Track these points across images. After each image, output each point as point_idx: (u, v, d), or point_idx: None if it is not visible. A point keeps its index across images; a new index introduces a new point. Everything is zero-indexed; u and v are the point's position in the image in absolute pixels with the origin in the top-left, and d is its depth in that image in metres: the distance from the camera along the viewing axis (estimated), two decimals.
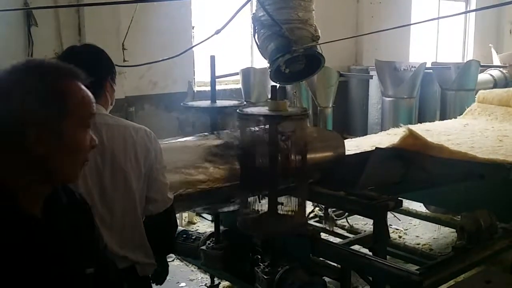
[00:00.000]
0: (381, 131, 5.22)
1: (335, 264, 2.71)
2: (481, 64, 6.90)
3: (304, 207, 2.53)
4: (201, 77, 6.15)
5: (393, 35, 7.04)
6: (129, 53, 5.30)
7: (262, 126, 2.33)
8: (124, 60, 5.25)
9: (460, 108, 6.42)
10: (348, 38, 5.55)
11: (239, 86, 6.08)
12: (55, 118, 1.17)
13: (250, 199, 2.44)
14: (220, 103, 2.93)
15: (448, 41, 9.34)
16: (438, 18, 8.80)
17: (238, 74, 6.04)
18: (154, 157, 1.96)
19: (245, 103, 2.90)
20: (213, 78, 2.97)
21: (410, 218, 4.79)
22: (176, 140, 2.59)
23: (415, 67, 6.36)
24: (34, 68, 1.19)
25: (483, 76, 7.18)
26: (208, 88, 6.03)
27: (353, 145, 3.85)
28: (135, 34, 5.26)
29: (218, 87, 6.25)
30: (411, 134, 3.04)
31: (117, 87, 2.07)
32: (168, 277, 2.38)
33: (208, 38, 3.59)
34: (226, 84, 6.43)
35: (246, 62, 6.64)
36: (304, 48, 3.15)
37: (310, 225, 4.03)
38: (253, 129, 2.37)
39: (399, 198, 2.87)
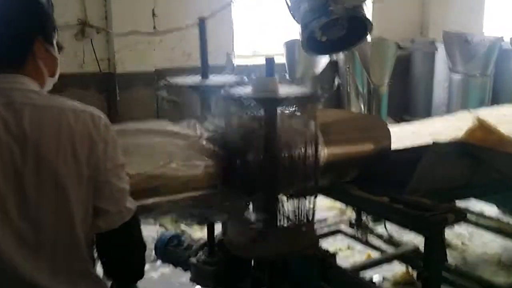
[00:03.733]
0: (447, 113, 4.68)
1: None
2: None
3: (313, 219, 1.89)
4: (242, 50, 5.66)
5: (465, 3, 6.54)
6: (159, 21, 4.92)
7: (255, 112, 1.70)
8: (154, 28, 4.87)
9: None
10: None
11: (284, 60, 5.49)
12: None
13: (242, 208, 1.82)
14: (213, 80, 2.30)
15: None
16: None
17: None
18: (103, 152, 1.39)
19: (246, 79, 2.24)
20: (204, 46, 2.32)
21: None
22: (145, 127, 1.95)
23: (490, 41, 5.69)
24: None
25: None
26: (250, 63, 5.57)
27: (409, 131, 3.27)
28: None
29: (260, 61, 5.75)
30: (482, 126, 2.33)
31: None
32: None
33: None
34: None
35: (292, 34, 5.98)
36: (345, 8, 2.46)
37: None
38: (244, 115, 1.73)
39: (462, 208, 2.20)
